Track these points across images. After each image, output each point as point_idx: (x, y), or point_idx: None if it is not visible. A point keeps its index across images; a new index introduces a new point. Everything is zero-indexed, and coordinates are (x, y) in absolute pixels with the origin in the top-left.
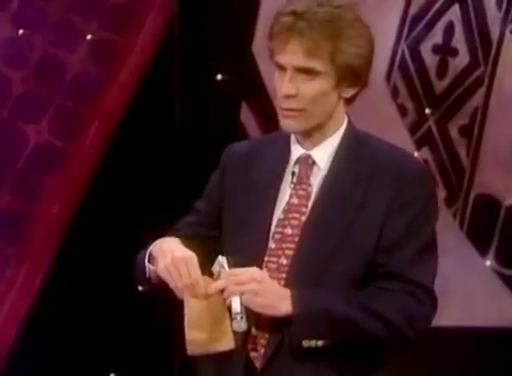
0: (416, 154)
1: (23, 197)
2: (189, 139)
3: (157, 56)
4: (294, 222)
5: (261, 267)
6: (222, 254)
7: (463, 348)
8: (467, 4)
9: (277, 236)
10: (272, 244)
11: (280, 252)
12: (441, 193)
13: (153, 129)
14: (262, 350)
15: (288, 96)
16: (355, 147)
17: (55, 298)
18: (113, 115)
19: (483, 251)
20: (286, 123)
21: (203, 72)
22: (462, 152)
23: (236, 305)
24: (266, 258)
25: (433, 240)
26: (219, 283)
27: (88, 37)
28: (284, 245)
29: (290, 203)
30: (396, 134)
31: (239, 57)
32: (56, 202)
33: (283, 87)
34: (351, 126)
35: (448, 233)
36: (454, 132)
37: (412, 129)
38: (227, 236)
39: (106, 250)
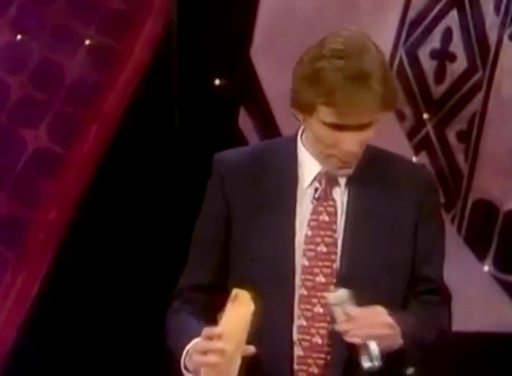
0: (413, 159)
1: (21, 202)
2: (187, 145)
3: (155, 61)
4: (328, 240)
5: (293, 284)
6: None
7: (460, 353)
8: (465, 9)
9: (310, 253)
10: (304, 262)
11: (317, 270)
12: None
13: (151, 134)
14: (310, 369)
15: (355, 153)
16: (371, 161)
17: (53, 303)
18: (112, 120)
19: (481, 256)
20: (343, 172)
21: (201, 77)
22: (460, 157)
23: (374, 348)
24: (302, 277)
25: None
26: (351, 326)
27: (87, 42)
28: (320, 263)
29: (320, 220)
30: (394, 139)
31: (237, 62)
32: (55, 207)
33: (348, 146)
34: None
35: (447, 239)
36: (452, 137)
37: (410, 134)
38: (243, 251)
39: (104, 255)
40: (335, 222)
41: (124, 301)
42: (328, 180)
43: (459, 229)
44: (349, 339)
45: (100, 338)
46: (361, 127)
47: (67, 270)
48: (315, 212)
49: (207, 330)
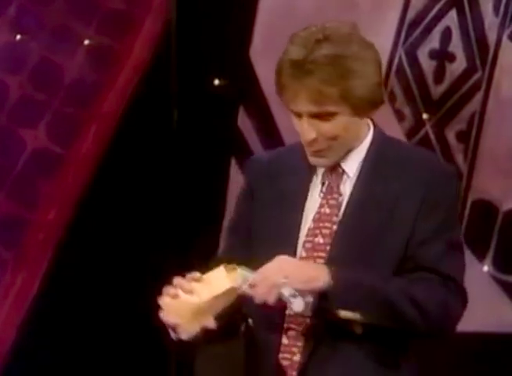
0: None
1: (20, 202)
2: (186, 145)
3: (154, 61)
4: (326, 231)
5: None
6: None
7: (460, 353)
8: (464, 10)
9: (308, 245)
10: (302, 253)
11: (311, 261)
12: None
13: (150, 134)
14: (294, 358)
15: (311, 141)
16: (382, 151)
17: (53, 303)
18: (111, 120)
19: (481, 256)
20: (316, 161)
21: (201, 77)
22: (459, 157)
23: (286, 290)
24: None
25: (461, 239)
26: (258, 290)
27: (86, 42)
28: (315, 254)
29: (321, 212)
30: None
31: (237, 62)
32: (54, 207)
33: (303, 133)
34: (377, 131)
35: None
36: (451, 137)
37: (410, 134)
38: (256, 247)
39: (103, 255)
40: (336, 215)
41: (123, 301)
42: (336, 174)
43: None
44: (267, 301)
45: (99, 337)
46: (316, 116)
47: (66, 270)
48: (320, 206)
49: (190, 274)
